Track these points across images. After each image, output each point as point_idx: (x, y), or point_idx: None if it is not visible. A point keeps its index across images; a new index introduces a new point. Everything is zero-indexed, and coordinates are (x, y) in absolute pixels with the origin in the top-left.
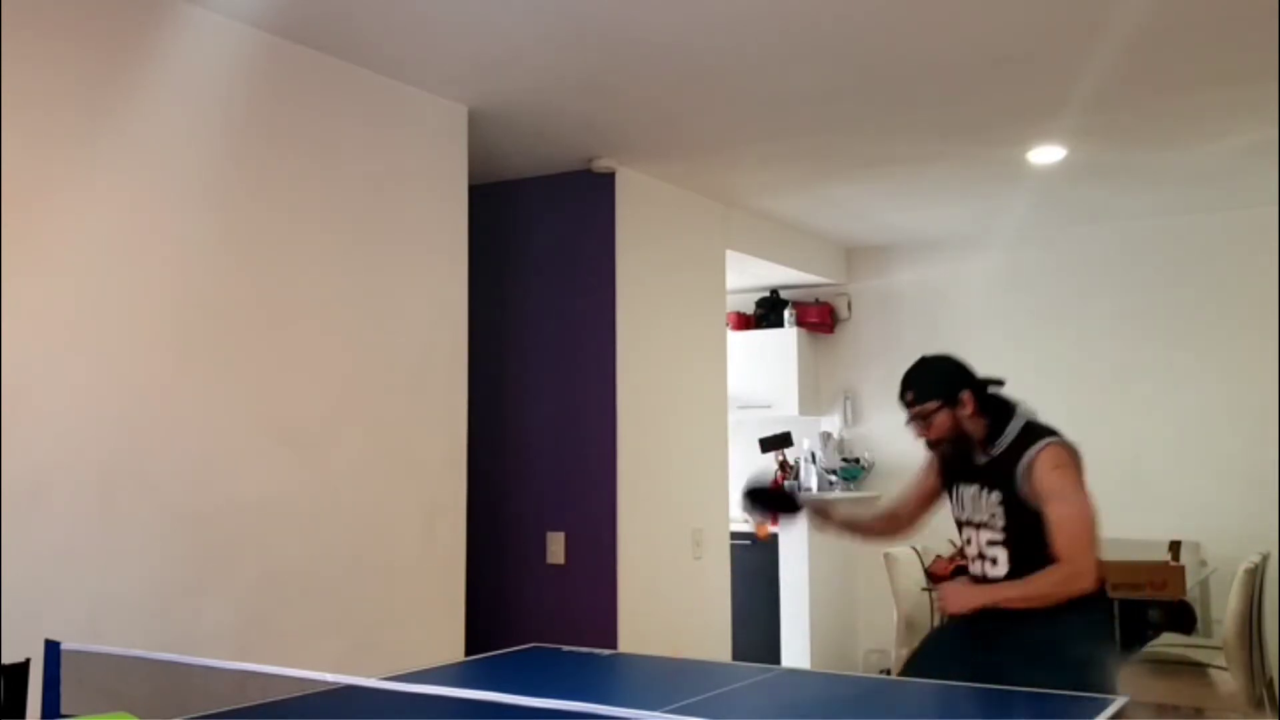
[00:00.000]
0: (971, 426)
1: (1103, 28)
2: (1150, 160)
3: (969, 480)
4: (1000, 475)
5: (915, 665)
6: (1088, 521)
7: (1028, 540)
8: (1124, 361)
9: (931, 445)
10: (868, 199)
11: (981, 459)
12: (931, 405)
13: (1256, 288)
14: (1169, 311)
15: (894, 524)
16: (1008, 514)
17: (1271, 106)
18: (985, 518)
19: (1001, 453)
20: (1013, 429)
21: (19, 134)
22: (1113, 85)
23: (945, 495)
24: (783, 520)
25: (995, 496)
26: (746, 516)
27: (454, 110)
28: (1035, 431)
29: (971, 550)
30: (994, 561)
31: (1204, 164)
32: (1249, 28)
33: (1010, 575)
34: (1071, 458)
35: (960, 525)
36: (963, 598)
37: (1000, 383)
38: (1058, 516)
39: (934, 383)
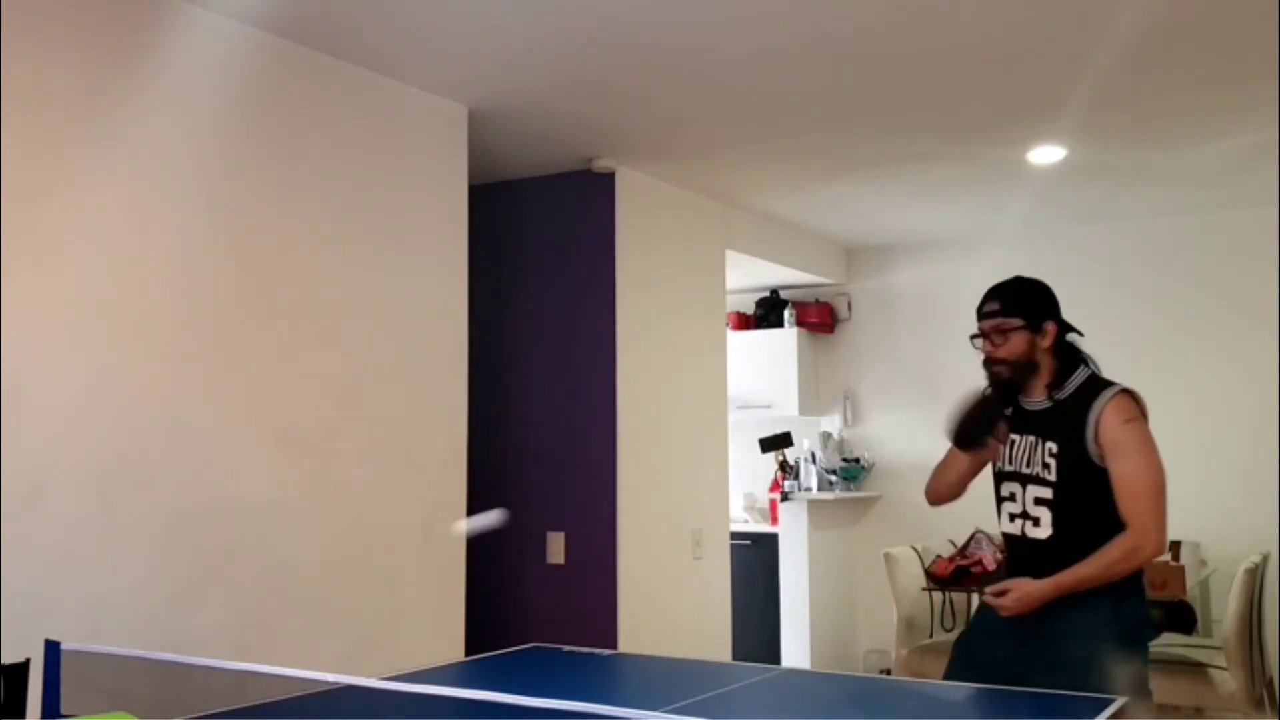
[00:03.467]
0: (1042, 361)
1: (1103, 28)
2: (1150, 160)
3: (1022, 429)
4: (1061, 425)
5: (957, 666)
6: (1160, 482)
7: (1078, 500)
8: (1124, 361)
9: (994, 365)
10: (868, 199)
11: (1039, 405)
12: (1015, 322)
13: (1256, 288)
14: (1169, 311)
15: (959, 470)
16: (1061, 468)
17: (1271, 106)
18: (1036, 470)
19: (1064, 400)
20: (1079, 376)
21: (19, 134)
22: (1113, 85)
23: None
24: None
25: (1050, 447)
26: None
27: (454, 110)
28: (1101, 381)
29: (1013, 507)
30: (1035, 522)
31: (1204, 164)
32: (1249, 28)
33: (1052, 539)
34: (1142, 409)
35: (1001, 478)
36: (1026, 598)
37: (1080, 333)
38: (1129, 474)
39: (1026, 300)
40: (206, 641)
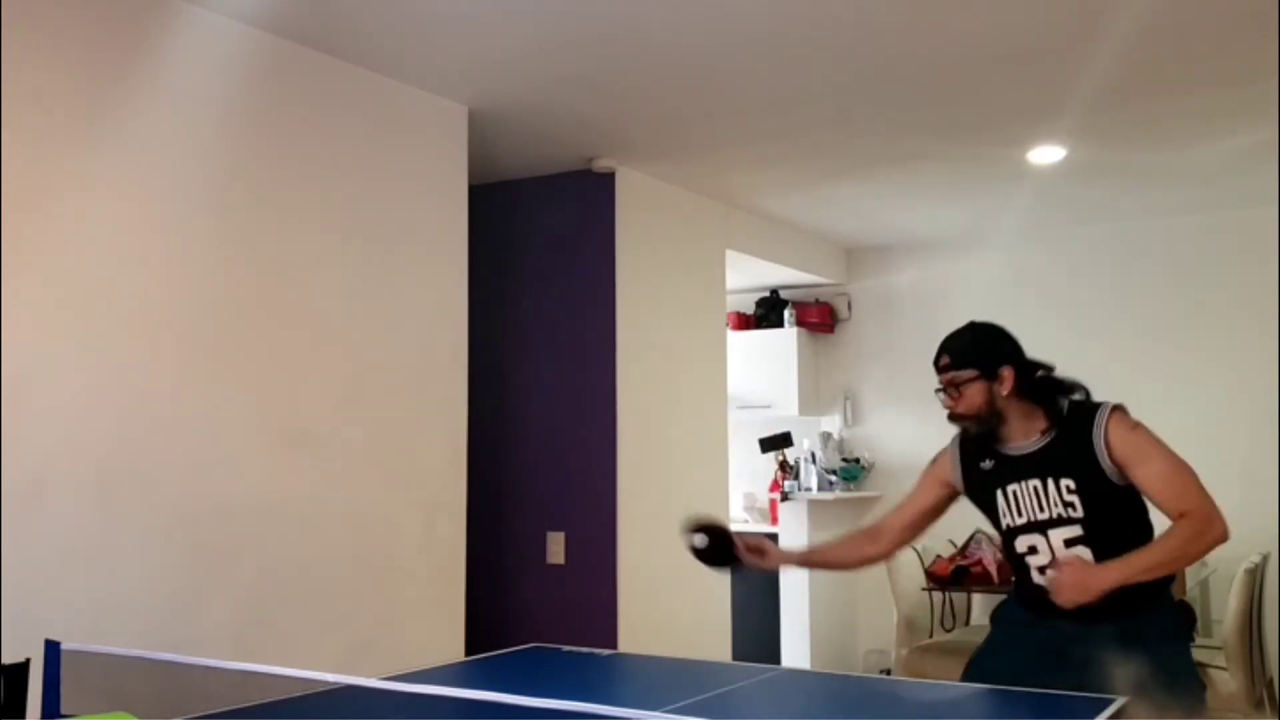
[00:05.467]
0: (1007, 409)
1: (1103, 28)
2: (1150, 160)
3: (1022, 476)
4: (1066, 458)
5: (980, 667)
6: (1192, 470)
7: (1109, 527)
8: (1124, 362)
9: (956, 420)
10: (868, 199)
11: (1030, 448)
12: (968, 373)
13: (1256, 288)
14: (1169, 312)
15: (872, 539)
16: (1085, 501)
17: (1271, 106)
18: (1058, 512)
19: (1057, 435)
20: (1063, 408)
21: (20, 134)
22: (1113, 85)
23: (949, 508)
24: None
25: (1067, 484)
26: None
27: (454, 110)
28: (1087, 403)
29: (1039, 559)
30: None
31: (1204, 164)
32: (1249, 28)
33: None
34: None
35: (1015, 533)
36: (1086, 584)
37: (1049, 368)
38: (1161, 473)
39: (976, 349)
40: (206, 641)
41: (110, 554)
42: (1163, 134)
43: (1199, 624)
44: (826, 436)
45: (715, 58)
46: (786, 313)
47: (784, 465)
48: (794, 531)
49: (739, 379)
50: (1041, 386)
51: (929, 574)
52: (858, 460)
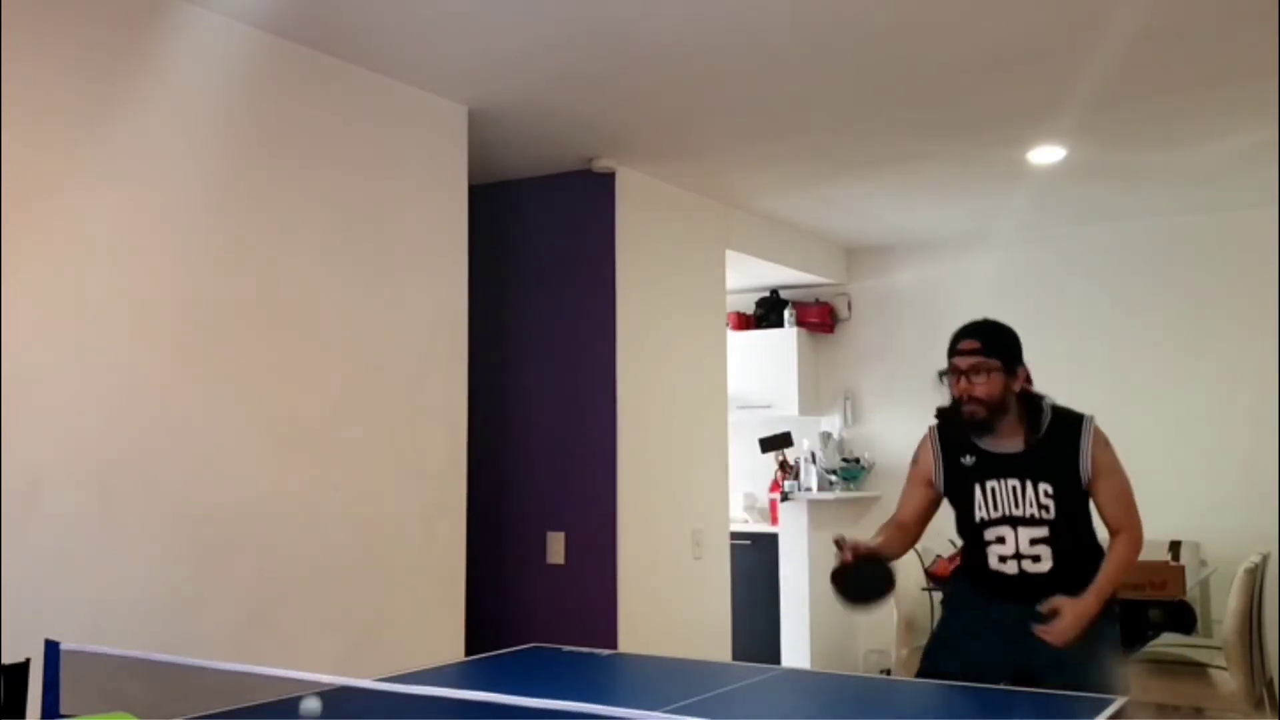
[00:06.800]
0: (1011, 404)
1: (1103, 28)
2: (1150, 160)
3: (1004, 474)
4: (1050, 465)
5: (934, 659)
6: (1131, 487)
7: (1069, 531)
8: (1124, 361)
9: (970, 404)
10: (868, 199)
11: (1014, 449)
12: (994, 362)
13: (1256, 288)
14: (1169, 312)
15: (904, 537)
16: (1059, 506)
17: (1271, 106)
18: (1032, 513)
19: (1041, 440)
20: (1046, 416)
21: (19, 134)
22: (1113, 85)
23: (945, 499)
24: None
25: (1045, 488)
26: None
27: (454, 110)
28: (1070, 414)
29: (1004, 549)
30: (1035, 559)
31: (1204, 164)
32: (1249, 28)
33: (1054, 571)
34: None
35: (984, 525)
36: (1081, 621)
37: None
38: (1116, 488)
39: (1003, 342)
40: (206, 641)
41: (110, 554)
42: (1163, 134)
43: (1199, 624)
44: (826, 436)
45: (715, 58)
46: (786, 313)
47: (784, 465)
48: (794, 531)
49: (739, 379)
50: (1030, 394)
51: (929, 574)
52: (858, 460)
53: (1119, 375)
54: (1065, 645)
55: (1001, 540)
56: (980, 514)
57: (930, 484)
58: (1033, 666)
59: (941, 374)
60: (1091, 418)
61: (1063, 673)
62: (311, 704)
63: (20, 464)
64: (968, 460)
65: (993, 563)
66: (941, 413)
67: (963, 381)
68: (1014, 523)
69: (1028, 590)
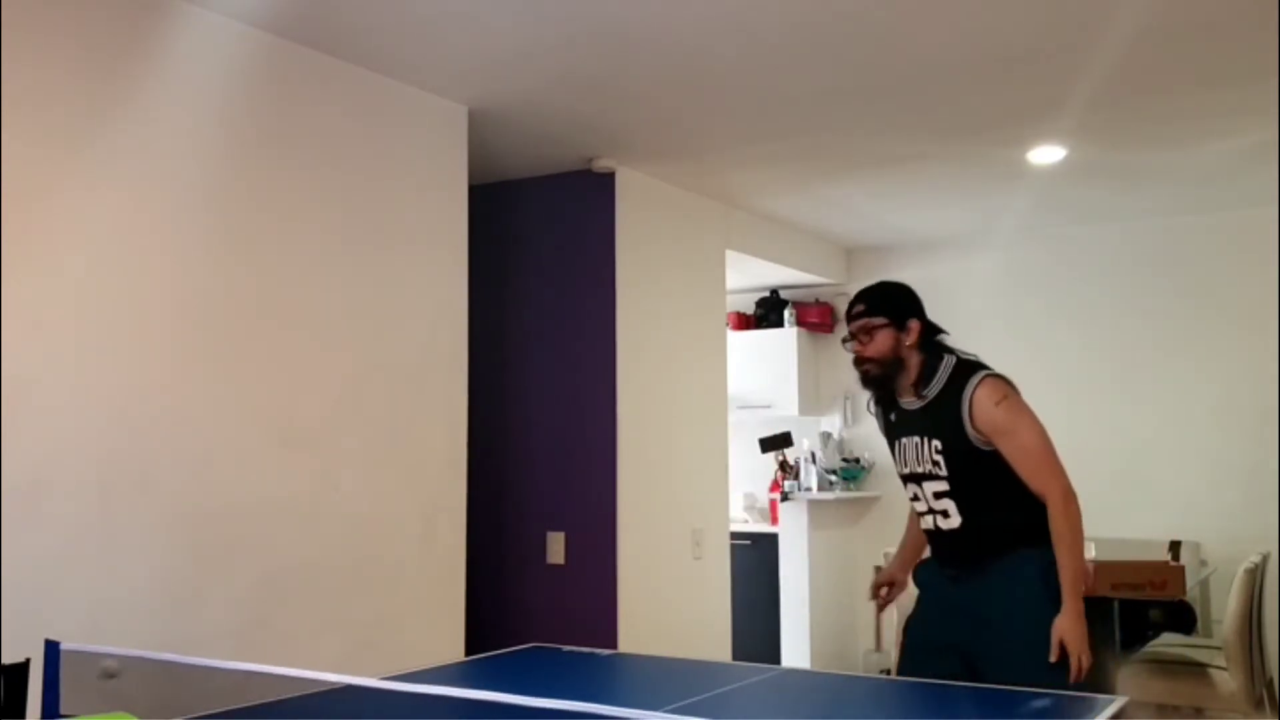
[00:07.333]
0: (908, 359)
1: (1103, 28)
2: (1150, 160)
3: (905, 430)
4: (938, 421)
5: (905, 636)
6: (1047, 443)
7: (974, 486)
8: (1124, 362)
9: (862, 364)
10: (868, 199)
11: (913, 405)
12: (879, 320)
13: (1256, 288)
14: (1169, 312)
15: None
16: (950, 463)
17: (1271, 106)
18: (928, 468)
19: (935, 397)
20: (944, 371)
21: (19, 133)
22: (1113, 85)
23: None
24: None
25: (935, 444)
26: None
27: (454, 110)
28: (965, 369)
29: (920, 505)
30: (945, 514)
31: (1204, 164)
32: (1249, 28)
33: (964, 526)
34: (1009, 385)
35: (904, 480)
36: (1079, 636)
37: (944, 331)
38: (1021, 448)
39: (889, 300)
40: (206, 641)
41: (110, 554)
42: (1163, 134)
43: (1199, 624)
44: (826, 436)
45: (716, 58)
46: (786, 313)
47: (784, 465)
48: (794, 531)
49: (739, 379)
50: (936, 348)
51: None
52: (858, 460)
53: (1119, 375)
54: (1086, 659)
55: (916, 498)
56: (899, 469)
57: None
58: (974, 648)
59: (844, 340)
60: (981, 372)
61: (1001, 660)
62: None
63: (20, 464)
64: (892, 417)
65: (923, 522)
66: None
67: (855, 343)
68: (919, 479)
69: (948, 548)
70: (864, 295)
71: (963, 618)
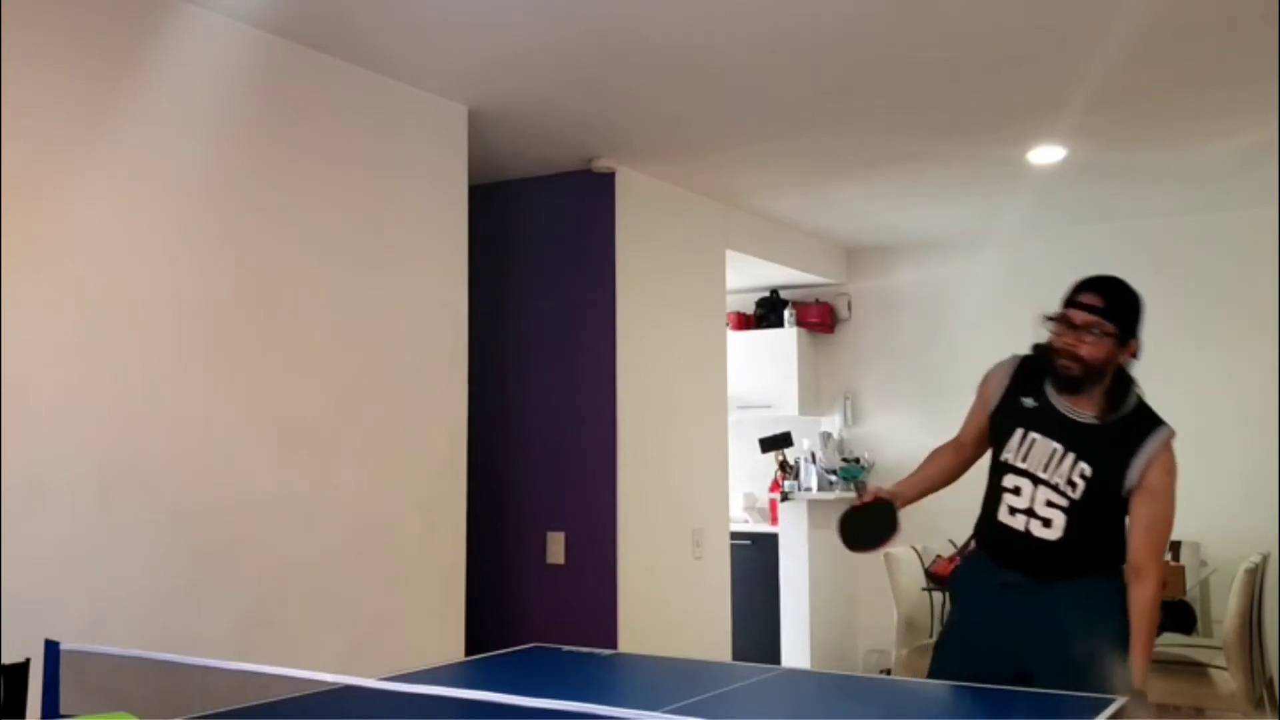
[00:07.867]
0: (1111, 376)
1: (1103, 28)
2: (1150, 160)
3: (1051, 434)
4: (1103, 451)
5: (941, 659)
6: (1170, 528)
7: (1095, 514)
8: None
9: (1068, 359)
10: (868, 199)
11: (1081, 419)
12: (1111, 326)
13: (1256, 288)
14: (1169, 312)
15: (955, 450)
16: (1090, 490)
17: (1271, 106)
18: (1058, 481)
19: (1109, 425)
20: (1129, 405)
21: (19, 133)
22: (1113, 85)
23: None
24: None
25: (1084, 468)
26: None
27: (454, 110)
28: (1146, 412)
29: (1018, 501)
30: (1046, 523)
31: (1204, 164)
32: (1249, 28)
33: (1064, 541)
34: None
35: (1008, 470)
36: (1145, 664)
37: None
38: (1152, 518)
39: (1128, 309)
40: (206, 641)
41: (110, 554)
42: (1163, 134)
43: (1199, 624)
44: (826, 436)
45: (715, 58)
46: (786, 313)
47: (784, 465)
48: (794, 532)
49: (739, 379)
50: (1126, 374)
51: (929, 574)
52: (858, 460)
53: None
54: (1141, 676)
55: (1017, 491)
56: (1007, 455)
57: (984, 407)
58: (1033, 667)
59: (1048, 318)
60: (1167, 429)
61: (1065, 674)
62: None
63: (20, 464)
64: (1028, 402)
65: (1002, 513)
66: (1037, 349)
67: (1070, 335)
68: (1034, 480)
69: (1031, 556)
70: (1104, 289)
71: (1023, 629)
